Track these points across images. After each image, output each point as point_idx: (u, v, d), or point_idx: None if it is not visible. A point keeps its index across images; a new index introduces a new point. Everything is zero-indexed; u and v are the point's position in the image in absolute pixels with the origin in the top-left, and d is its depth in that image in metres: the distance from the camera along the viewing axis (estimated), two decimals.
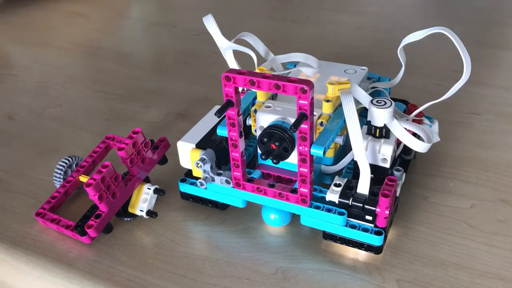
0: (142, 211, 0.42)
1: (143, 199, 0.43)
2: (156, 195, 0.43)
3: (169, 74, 0.73)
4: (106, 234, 0.41)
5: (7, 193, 0.48)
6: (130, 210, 0.43)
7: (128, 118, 0.60)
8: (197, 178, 0.42)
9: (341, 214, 0.37)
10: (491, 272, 0.38)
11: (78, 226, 0.41)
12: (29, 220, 0.44)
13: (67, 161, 0.46)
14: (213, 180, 0.41)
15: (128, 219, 0.43)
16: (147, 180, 0.45)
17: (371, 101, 0.38)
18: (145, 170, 0.43)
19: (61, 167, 0.46)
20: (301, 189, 0.38)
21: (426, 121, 0.46)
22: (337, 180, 0.39)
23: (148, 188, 0.43)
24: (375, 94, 0.46)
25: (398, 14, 0.93)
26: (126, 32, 0.93)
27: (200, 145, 0.42)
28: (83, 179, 0.45)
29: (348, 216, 0.37)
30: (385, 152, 0.38)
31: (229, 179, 0.40)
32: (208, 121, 0.45)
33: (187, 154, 0.42)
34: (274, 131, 0.37)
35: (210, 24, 0.43)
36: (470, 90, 0.61)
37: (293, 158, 0.37)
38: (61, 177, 0.46)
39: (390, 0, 1.01)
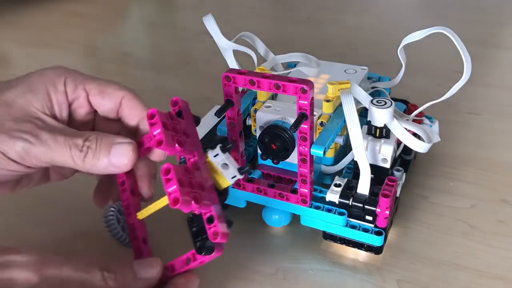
0: (234, 176, 0.33)
1: (223, 167, 0.34)
2: (228, 153, 0.34)
3: (169, 74, 0.73)
4: (230, 228, 0.33)
5: None
6: (222, 185, 0.34)
7: None
8: None
9: (341, 214, 0.37)
10: (491, 272, 0.38)
11: (201, 248, 0.32)
12: None
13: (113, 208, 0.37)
14: None
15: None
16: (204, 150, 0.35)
17: (371, 101, 0.38)
18: (194, 141, 0.34)
19: (111, 216, 0.37)
20: (301, 189, 0.38)
21: (426, 121, 0.46)
22: (337, 180, 0.39)
23: (215, 156, 0.34)
24: (375, 94, 0.46)
25: (398, 14, 0.93)
26: (126, 32, 0.93)
27: None
28: (142, 214, 0.35)
29: (348, 216, 0.37)
30: (385, 152, 0.38)
31: None
32: (208, 121, 0.45)
33: None
34: (274, 131, 0.37)
35: (210, 24, 0.43)
36: (470, 90, 0.61)
37: (293, 158, 0.37)
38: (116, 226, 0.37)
39: (390, 0, 1.01)
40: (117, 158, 0.33)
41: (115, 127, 0.37)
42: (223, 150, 0.33)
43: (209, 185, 0.32)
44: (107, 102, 0.36)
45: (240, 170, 0.33)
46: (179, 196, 0.28)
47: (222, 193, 0.34)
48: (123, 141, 0.33)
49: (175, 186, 0.29)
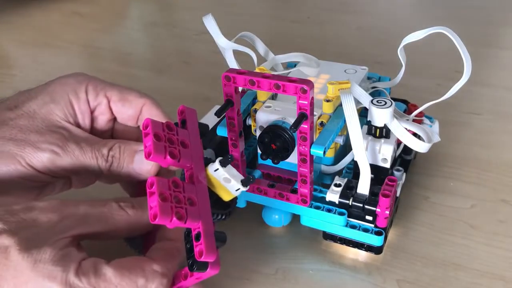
0: (238, 189, 0.33)
1: (225, 180, 0.33)
2: (229, 165, 0.33)
3: (169, 74, 0.73)
4: (223, 245, 0.31)
5: None
6: (226, 198, 0.33)
7: None
8: None
9: (341, 214, 0.37)
10: (491, 272, 0.38)
11: (192, 265, 0.30)
12: None
13: None
14: None
15: (224, 217, 0.35)
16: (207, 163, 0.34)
17: (371, 101, 0.38)
18: (196, 153, 0.33)
19: None
20: (301, 189, 0.38)
21: (426, 121, 0.46)
22: (337, 180, 0.39)
23: (215, 170, 0.32)
24: (375, 94, 0.46)
25: (398, 14, 0.93)
26: (126, 32, 0.93)
27: None
28: None
29: (348, 216, 0.37)
30: (385, 152, 0.38)
31: None
32: (208, 121, 0.45)
33: None
34: (274, 131, 0.37)
35: (210, 24, 0.43)
36: (470, 90, 0.61)
37: (293, 158, 0.37)
38: None
39: (390, 0, 1.01)
40: (140, 165, 0.34)
41: (133, 134, 0.37)
42: (223, 164, 0.32)
43: (203, 199, 0.31)
44: (128, 109, 0.36)
45: (244, 183, 0.32)
46: (157, 211, 0.27)
47: (228, 205, 0.34)
48: None
49: (155, 202, 0.28)
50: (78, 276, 0.27)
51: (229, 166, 0.33)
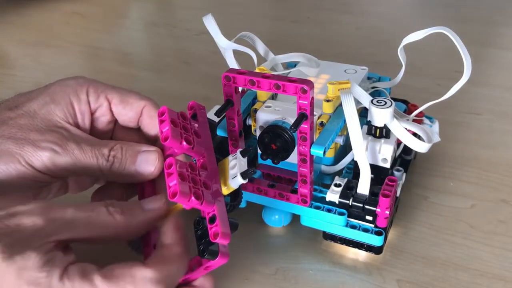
0: (235, 177, 0.32)
1: (232, 166, 0.33)
2: (246, 158, 0.33)
3: (169, 74, 0.73)
4: (235, 232, 0.32)
5: None
6: (224, 190, 0.32)
7: None
8: None
9: (341, 214, 0.37)
10: (491, 272, 0.38)
11: (203, 251, 0.30)
12: None
13: None
14: None
15: (229, 209, 0.35)
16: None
17: (371, 101, 0.38)
18: (206, 144, 0.33)
19: None
20: (301, 189, 0.38)
21: (426, 121, 0.46)
22: (337, 180, 0.39)
23: (233, 155, 0.33)
24: (375, 94, 0.46)
25: (398, 14, 0.93)
26: (126, 32, 0.93)
27: None
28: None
29: (348, 216, 0.37)
30: (385, 152, 0.38)
31: None
32: None
33: None
34: (274, 131, 0.37)
35: (210, 24, 0.43)
36: (470, 90, 0.61)
37: (293, 158, 0.37)
38: None
39: (390, 0, 1.01)
40: (143, 166, 0.33)
41: (134, 136, 0.37)
42: (242, 153, 0.33)
43: (216, 187, 0.31)
44: (129, 111, 0.36)
45: (243, 174, 0.32)
46: (177, 189, 0.28)
47: (235, 197, 0.35)
48: (149, 149, 0.34)
49: (175, 180, 0.28)
50: (62, 281, 0.27)
51: (245, 160, 0.33)
